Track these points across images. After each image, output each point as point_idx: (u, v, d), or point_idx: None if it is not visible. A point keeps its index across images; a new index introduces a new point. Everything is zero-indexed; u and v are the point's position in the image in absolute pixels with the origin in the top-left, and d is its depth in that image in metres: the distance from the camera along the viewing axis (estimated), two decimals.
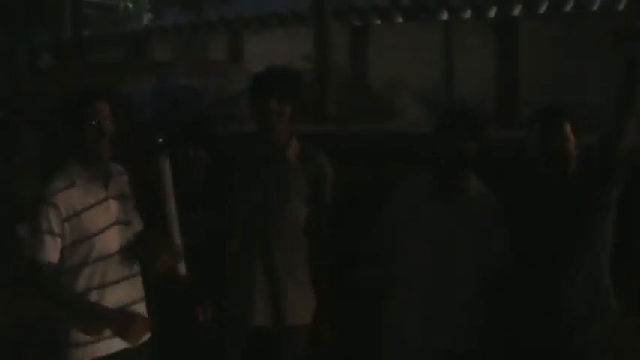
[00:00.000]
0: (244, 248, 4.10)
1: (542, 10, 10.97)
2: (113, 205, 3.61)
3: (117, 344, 3.55)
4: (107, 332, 3.53)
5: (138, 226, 3.68)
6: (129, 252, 3.56)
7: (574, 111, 3.83)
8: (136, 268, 3.63)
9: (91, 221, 3.54)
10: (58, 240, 3.49)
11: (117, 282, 3.57)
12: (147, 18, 22.17)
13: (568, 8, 10.71)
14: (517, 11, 11.11)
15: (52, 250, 3.47)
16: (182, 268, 3.58)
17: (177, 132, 4.23)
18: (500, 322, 3.74)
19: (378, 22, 12.44)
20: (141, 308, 3.65)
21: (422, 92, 10.71)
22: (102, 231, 3.55)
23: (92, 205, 3.56)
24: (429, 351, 3.79)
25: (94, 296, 3.53)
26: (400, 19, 12.27)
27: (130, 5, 21.95)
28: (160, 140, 3.75)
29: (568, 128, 3.73)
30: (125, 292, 3.59)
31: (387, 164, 4.67)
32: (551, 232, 3.71)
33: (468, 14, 11.57)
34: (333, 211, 4.14)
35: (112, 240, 3.57)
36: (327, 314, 4.12)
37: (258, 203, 4.07)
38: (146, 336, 3.59)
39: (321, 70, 9.42)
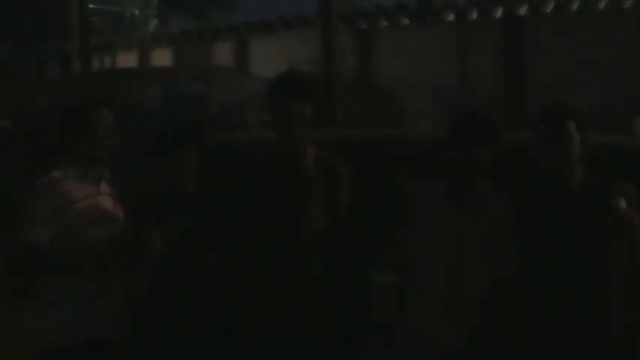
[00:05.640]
0: (256, 258, 4.07)
1: (549, 9, 10.95)
2: (103, 201, 3.94)
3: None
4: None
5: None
6: (112, 246, 3.89)
7: (579, 111, 3.82)
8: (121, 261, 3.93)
9: (79, 213, 3.85)
10: (48, 226, 3.81)
11: (94, 273, 3.86)
12: (153, 25, 22.26)
13: (574, 7, 10.68)
14: (523, 11, 11.09)
15: (43, 234, 3.80)
16: None
17: (172, 134, 4.24)
18: (502, 326, 3.76)
19: (385, 24, 12.43)
20: (114, 303, 3.90)
21: (431, 94, 10.70)
22: (88, 223, 3.86)
23: (82, 199, 3.87)
24: (441, 349, 3.80)
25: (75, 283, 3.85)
26: (406, 21, 12.25)
27: (137, 13, 22.03)
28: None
29: (573, 128, 3.72)
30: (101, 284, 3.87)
31: (399, 169, 4.62)
32: (554, 238, 3.71)
33: (474, 15, 11.55)
34: (350, 218, 4.09)
35: (97, 232, 3.87)
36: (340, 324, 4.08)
37: (271, 212, 4.01)
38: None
39: (327, 74, 9.40)
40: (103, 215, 3.93)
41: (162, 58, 14.61)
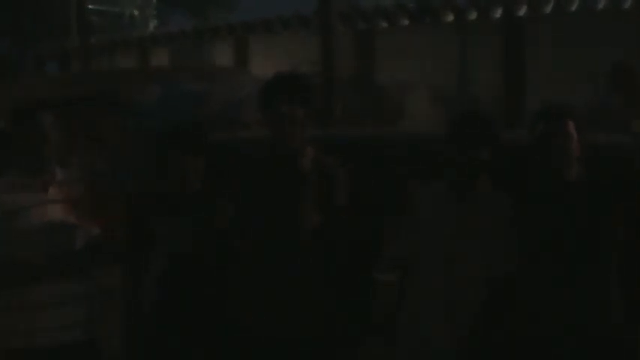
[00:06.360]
0: (255, 258, 4.05)
1: (548, 10, 10.95)
2: (51, 210, 3.83)
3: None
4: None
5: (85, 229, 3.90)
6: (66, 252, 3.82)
7: (577, 110, 3.84)
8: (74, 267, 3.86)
9: (21, 220, 3.78)
10: None
11: (40, 279, 3.78)
12: (153, 24, 22.28)
13: (574, 8, 10.68)
14: (522, 11, 11.10)
15: None
16: None
17: (173, 137, 4.19)
18: (502, 326, 3.75)
19: (384, 24, 12.43)
20: (68, 307, 3.83)
21: (430, 94, 10.70)
22: (29, 231, 3.77)
23: (25, 207, 3.80)
24: (441, 349, 3.80)
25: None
26: (406, 22, 12.26)
27: (136, 12, 22.06)
28: None
29: (571, 127, 3.73)
30: (52, 291, 3.80)
31: (399, 169, 4.61)
32: (554, 238, 3.71)
33: (473, 15, 11.55)
34: (347, 219, 4.09)
35: (45, 241, 3.78)
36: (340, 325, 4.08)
37: (270, 212, 4.01)
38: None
39: (326, 74, 9.41)
40: (50, 224, 3.83)
41: (161, 57, 14.60)
